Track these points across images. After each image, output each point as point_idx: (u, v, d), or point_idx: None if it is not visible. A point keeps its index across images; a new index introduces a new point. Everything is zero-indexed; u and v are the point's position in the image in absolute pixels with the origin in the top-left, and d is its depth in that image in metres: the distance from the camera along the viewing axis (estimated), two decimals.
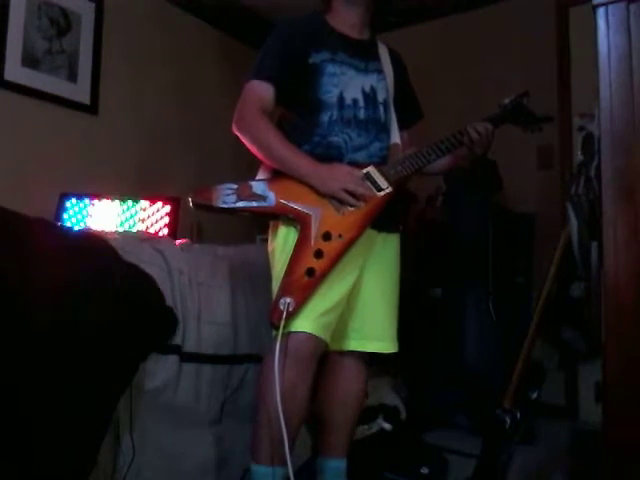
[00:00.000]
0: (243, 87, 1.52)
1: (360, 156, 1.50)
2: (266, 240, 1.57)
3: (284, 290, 1.36)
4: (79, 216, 2.30)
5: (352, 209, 1.42)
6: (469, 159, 1.65)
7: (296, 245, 1.40)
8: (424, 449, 1.98)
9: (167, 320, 1.53)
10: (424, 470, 1.84)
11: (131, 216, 2.28)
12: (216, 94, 3.18)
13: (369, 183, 1.46)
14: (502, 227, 2.58)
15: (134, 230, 2.21)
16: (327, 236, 1.40)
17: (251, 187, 1.43)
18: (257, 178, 1.53)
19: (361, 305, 1.55)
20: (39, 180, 2.41)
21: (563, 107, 2.80)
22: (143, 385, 1.48)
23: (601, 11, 1.09)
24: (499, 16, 3.03)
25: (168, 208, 2.26)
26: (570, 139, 2.75)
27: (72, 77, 2.59)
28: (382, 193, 1.46)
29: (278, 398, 1.27)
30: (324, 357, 1.53)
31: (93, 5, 2.67)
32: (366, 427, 1.99)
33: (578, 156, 1.67)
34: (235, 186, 1.42)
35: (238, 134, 1.51)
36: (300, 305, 1.35)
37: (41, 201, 2.26)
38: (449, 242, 2.63)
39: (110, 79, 2.75)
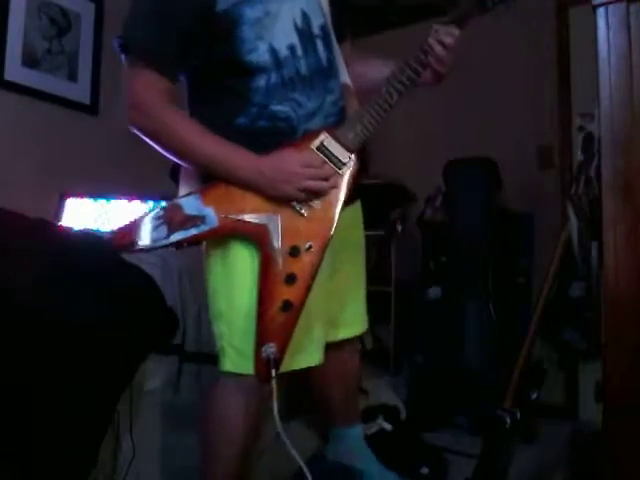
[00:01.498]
0: (131, 70, 1.19)
1: (315, 123, 1.16)
2: None
3: (262, 336, 1.09)
4: (79, 216, 2.29)
5: (315, 204, 1.13)
6: (440, 75, 1.31)
7: (261, 273, 1.10)
8: (424, 449, 1.98)
9: (167, 320, 1.53)
10: (424, 470, 1.84)
11: (132, 216, 2.28)
12: None
13: (327, 159, 1.13)
14: (502, 227, 2.58)
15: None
16: (295, 251, 1.10)
17: (181, 208, 1.10)
18: (182, 191, 1.20)
19: (338, 291, 1.33)
20: (39, 180, 2.41)
21: (563, 107, 2.80)
22: (143, 385, 1.48)
23: (601, 11, 1.09)
24: (499, 16, 3.03)
25: None
26: (570, 139, 2.75)
27: (72, 77, 2.59)
28: (345, 169, 1.14)
29: (300, 462, 1.07)
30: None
31: (93, 5, 2.67)
32: (366, 427, 1.99)
33: (578, 156, 1.67)
34: (161, 212, 1.11)
35: (139, 132, 1.19)
36: (285, 348, 1.09)
37: (41, 201, 2.26)
38: (449, 242, 2.63)
39: (110, 79, 2.74)
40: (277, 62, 1.14)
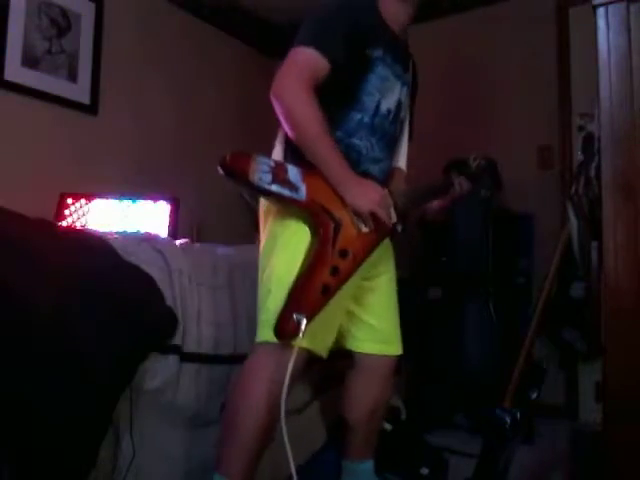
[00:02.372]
0: (294, 50, 1.32)
1: (374, 169, 1.43)
2: None
3: (297, 303, 1.24)
4: (79, 216, 2.30)
5: (366, 230, 1.35)
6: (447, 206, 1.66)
7: (316, 254, 1.30)
8: (424, 449, 1.98)
9: (167, 320, 1.53)
10: (424, 470, 1.84)
11: (129, 215, 2.28)
12: (216, 94, 3.19)
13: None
14: (502, 227, 2.58)
15: (132, 230, 2.21)
16: (344, 253, 1.30)
17: (286, 171, 1.30)
18: (275, 154, 1.41)
19: (376, 309, 1.53)
20: (39, 180, 2.41)
21: (563, 107, 2.80)
22: (143, 385, 1.48)
23: (601, 11, 1.09)
24: (499, 16, 3.03)
25: (168, 208, 2.27)
26: (570, 139, 2.76)
27: (72, 77, 2.59)
28: (392, 223, 1.42)
29: (283, 423, 1.18)
30: (353, 364, 1.54)
31: (93, 5, 2.67)
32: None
33: (578, 156, 1.67)
34: (272, 164, 1.29)
35: (275, 103, 1.31)
36: (309, 323, 1.24)
37: (41, 201, 2.26)
38: (449, 242, 2.63)
39: (110, 79, 2.75)
40: (376, 112, 1.41)
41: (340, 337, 1.50)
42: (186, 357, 1.56)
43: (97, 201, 2.32)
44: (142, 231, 2.17)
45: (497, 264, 2.53)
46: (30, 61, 2.43)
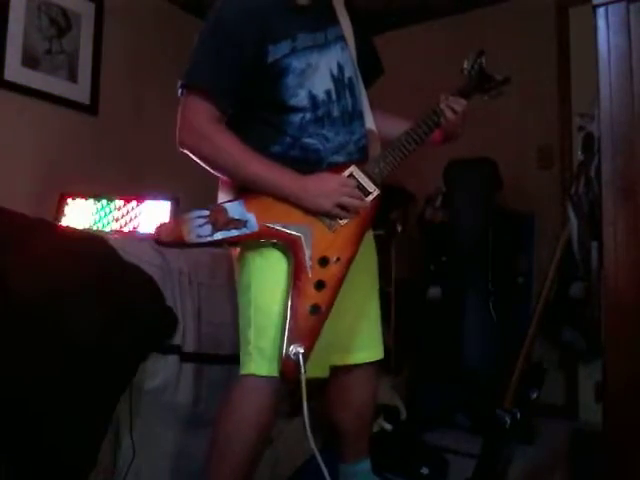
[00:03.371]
0: (183, 95, 1.28)
1: (340, 157, 1.33)
2: None
3: (291, 336, 1.18)
4: (79, 216, 2.29)
5: (343, 222, 1.27)
6: (450, 137, 1.48)
7: (293, 278, 1.22)
8: (424, 449, 1.98)
9: (167, 320, 1.53)
10: (424, 470, 1.84)
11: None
12: None
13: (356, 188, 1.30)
14: (502, 227, 2.58)
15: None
16: (324, 261, 1.23)
17: (226, 211, 1.21)
18: (220, 198, 1.32)
19: (347, 315, 1.40)
20: (39, 180, 2.41)
21: (563, 107, 2.80)
22: (143, 385, 1.48)
23: (601, 11, 1.09)
24: (499, 16, 3.03)
25: (168, 208, 2.26)
26: (570, 139, 2.75)
27: (72, 77, 2.59)
28: (370, 198, 1.30)
29: (322, 466, 1.19)
30: (339, 369, 1.47)
31: (93, 5, 2.67)
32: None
33: (578, 156, 1.67)
34: (206, 212, 1.20)
35: (190, 152, 1.26)
36: (311, 349, 1.19)
37: (41, 201, 2.26)
38: (449, 242, 2.63)
39: (110, 79, 2.75)
40: (314, 104, 1.30)
41: (348, 353, 1.45)
42: (186, 357, 1.56)
43: (97, 201, 2.32)
44: (142, 231, 2.17)
45: (497, 264, 2.52)
46: (30, 61, 2.43)
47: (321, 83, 1.32)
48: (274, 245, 1.26)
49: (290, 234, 1.23)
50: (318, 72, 1.31)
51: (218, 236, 1.20)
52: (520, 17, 2.95)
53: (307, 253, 1.23)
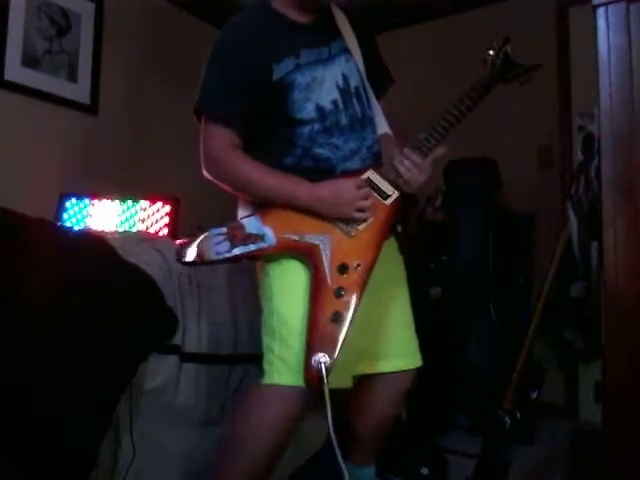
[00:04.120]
0: (200, 124, 1.34)
1: (353, 163, 1.34)
2: None
3: (314, 346, 1.18)
4: (79, 216, 2.30)
5: (362, 227, 1.27)
6: None
7: (313, 287, 1.22)
8: (424, 449, 1.98)
9: (167, 320, 1.53)
10: (424, 470, 1.84)
11: (131, 216, 2.28)
12: None
13: (373, 191, 1.29)
14: (502, 227, 2.58)
15: (134, 230, 2.21)
16: (343, 268, 1.23)
17: (243, 227, 1.24)
18: (240, 214, 1.35)
19: (374, 323, 1.39)
20: (39, 180, 2.41)
21: (563, 107, 2.80)
22: (143, 385, 1.48)
23: (601, 11, 1.09)
24: (499, 16, 3.03)
25: (168, 208, 2.26)
26: (570, 139, 2.75)
27: (72, 77, 2.59)
28: (390, 201, 1.29)
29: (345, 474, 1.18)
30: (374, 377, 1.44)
31: (93, 5, 2.67)
32: None
33: (578, 156, 1.67)
34: (224, 230, 1.23)
35: (212, 179, 1.33)
36: (334, 357, 1.17)
37: (41, 201, 2.26)
38: (449, 242, 2.63)
39: (110, 79, 2.75)
40: (322, 115, 1.33)
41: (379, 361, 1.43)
42: (186, 357, 1.56)
43: (97, 201, 2.32)
44: (142, 231, 2.17)
45: (497, 264, 2.52)
46: (30, 61, 2.43)
47: (327, 94, 1.34)
48: (293, 256, 1.27)
49: (307, 243, 1.24)
50: (324, 85, 1.34)
51: (236, 252, 1.22)
52: (520, 17, 2.94)
53: (326, 261, 1.23)
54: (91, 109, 2.67)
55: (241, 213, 1.35)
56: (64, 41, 2.56)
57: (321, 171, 1.31)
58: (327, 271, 1.22)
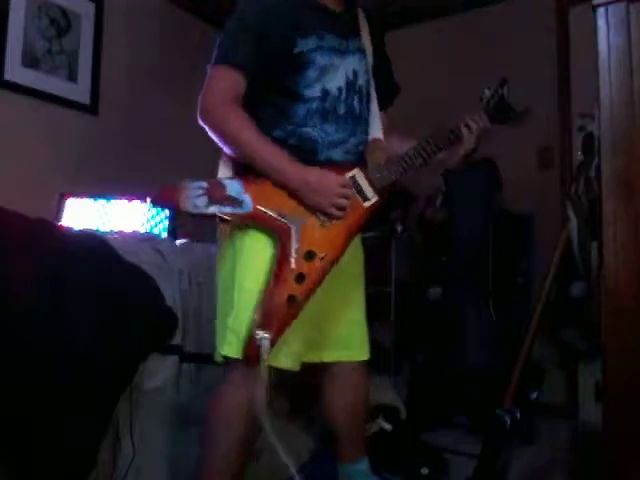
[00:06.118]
0: (208, 71, 1.32)
1: (336, 153, 1.35)
2: None
3: (262, 322, 1.19)
4: (79, 216, 2.29)
5: (336, 222, 1.28)
6: (462, 158, 1.47)
7: (276, 266, 1.23)
8: (424, 449, 1.98)
9: (167, 320, 1.53)
10: (424, 470, 1.84)
11: (131, 216, 2.28)
12: None
13: (354, 191, 1.31)
14: (502, 227, 2.58)
15: (132, 230, 2.21)
16: (310, 256, 1.24)
17: (225, 187, 1.23)
18: (220, 173, 1.34)
19: (328, 314, 1.42)
20: (39, 180, 2.41)
21: (563, 107, 2.80)
22: (143, 385, 1.48)
23: (601, 11, 1.09)
24: (499, 16, 3.03)
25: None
26: (570, 139, 2.75)
27: (72, 77, 2.59)
28: (368, 204, 1.32)
29: (278, 447, 1.15)
30: (325, 368, 1.50)
31: (93, 5, 2.67)
32: (366, 427, 1.99)
33: (578, 156, 1.67)
34: (205, 185, 1.22)
35: (205, 126, 1.30)
36: (277, 338, 1.19)
37: (41, 201, 2.26)
38: (449, 242, 2.63)
39: (110, 79, 2.75)
40: (324, 98, 1.34)
41: (320, 351, 1.45)
42: (186, 357, 1.56)
43: (97, 201, 2.32)
44: (142, 231, 2.17)
45: (497, 264, 2.52)
46: (30, 61, 2.43)
47: (336, 81, 1.36)
48: (264, 230, 1.27)
49: (281, 222, 1.24)
50: (337, 72, 1.36)
51: (212, 209, 1.21)
52: (520, 17, 2.95)
53: (294, 244, 1.23)
54: (91, 109, 2.67)
55: (221, 171, 1.35)
56: (64, 41, 2.56)
57: (305, 151, 1.32)
58: (293, 254, 1.22)
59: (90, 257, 1.49)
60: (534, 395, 1.71)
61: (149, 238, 1.88)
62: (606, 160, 1.08)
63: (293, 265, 1.22)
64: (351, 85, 1.39)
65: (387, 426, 2.07)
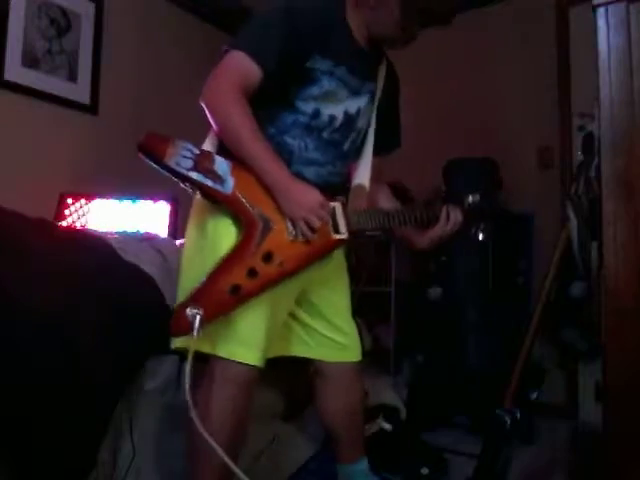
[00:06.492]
0: (226, 53, 1.27)
1: (308, 171, 1.34)
2: None
3: (195, 297, 1.18)
4: (79, 216, 2.30)
5: (302, 239, 1.28)
6: (434, 240, 1.47)
7: (234, 251, 1.23)
8: (424, 449, 1.98)
9: (167, 320, 1.53)
10: (424, 470, 1.84)
11: (131, 216, 2.28)
12: None
13: (330, 220, 1.32)
14: (502, 227, 2.58)
15: (134, 230, 2.21)
16: (268, 257, 1.24)
17: (213, 161, 1.23)
18: (205, 145, 1.33)
19: (331, 320, 1.47)
20: (39, 180, 2.41)
21: (563, 107, 2.80)
22: (143, 385, 1.48)
23: (601, 11, 1.09)
24: (499, 16, 3.03)
25: (168, 208, 2.27)
26: (570, 139, 2.75)
27: (72, 77, 2.59)
28: (337, 237, 1.32)
29: (205, 433, 1.12)
30: (318, 371, 1.51)
31: (93, 5, 2.67)
32: (366, 427, 1.99)
33: (578, 156, 1.67)
34: (197, 151, 1.22)
35: (205, 107, 1.27)
36: (208, 322, 1.17)
37: (41, 201, 2.26)
38: (449, 242, 2.63)
39: (110, 79, 2.75)
40: (314, 116, 1.33)
41: (296, 345, 1.48)
42: (186, 357, 1.55)
43: (97, 201, 2.32)
44: (142, 231, 2.17)
45: (497, 264, 2.52)
46: (30, 61, 2.43)
47: (333, 110, 1.35)
48: (233, 217, 1.27)
49: (252, 215, 1.24)
50: (338, 105, 1.35)
51: (193, 175, 1.20)
52: (520, 17, 2.95)
53: (257, 240, 1.23)
54: (91, 109, 2.67)
55: (205, 145, 1.33)
56: (64, 41, 2.56)
57: None
58: (252, 249, 1.23)
59: (90, 257, 1.49)
60: (534, 395, 1.71)
61: (149, 238, 1.88)
62: (606, 160, 1.08)
63: (249, 258, 1.22)
64: (348, 121, 1.38)
65: (387, 426, 2.07)
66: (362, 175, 1.45)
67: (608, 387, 1.09)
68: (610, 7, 1.08)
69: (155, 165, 1.21)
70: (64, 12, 2.56)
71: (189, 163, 1.20)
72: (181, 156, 1.20)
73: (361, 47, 1.38)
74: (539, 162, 2.88)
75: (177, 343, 1.28)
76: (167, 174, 1.21)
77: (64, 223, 2.27)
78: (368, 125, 1.45)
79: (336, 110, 1.35)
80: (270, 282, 1.24)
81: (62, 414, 1.23)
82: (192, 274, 1.28)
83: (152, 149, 1.21)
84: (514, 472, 1.63)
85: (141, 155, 1.20)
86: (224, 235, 1.28)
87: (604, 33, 1.08)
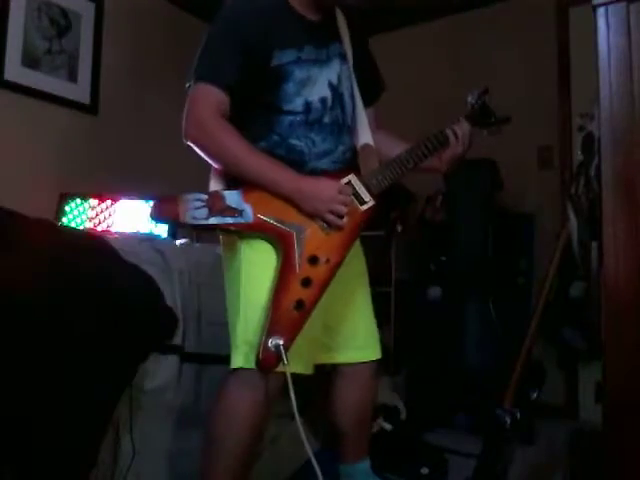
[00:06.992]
0: (192, 89, 1.29)
1: (324, 163, 1.35)
2: None
3: (270, 329, 1.19)
4: (79, 216, 2.30)
5: (335, 230, 1.29)
6: (450, 161, 1.47)
7: (280, 272, 1.23)
8: (424, 449, 1.98)
9: (167, 320, 1.53)
10: (424, 470, 1.84)
11: (131, 216, 2.28)
12: None
13: (352, 196, 1.32)
14: (502, 227, 2.58)
15: (133, 230, 2.21)
16: (314, 260, 1.24)
17: (224, 198, 1.23)
18: (212, 186, 1.34)
19: (336, 315, 1.44)
20: (39, 180, 2.41)
21: (563, 107, 2.80)
22: (143, 385, 1.48)
23: (601, 11, 1.09)
24: (499, 16, 3.03)
25: None
26: (570, 139, 2.75)
27: (72, 77, 2.59)
28: (365, 207, 1.33)
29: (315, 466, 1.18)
30: (332, 369, 1.50)
31: (93, 5, 2.67)
32: None
33: (578, 156, 1.67)
34: (205, 197, 1.22)
35: (193, 145, 1.28)
36: (290, 343, 1.19)
37: (41, 201, 2.26)
38: (449, 242, 2.63)
39: (110, 79, 2.75)
40: (307, 109, 1.33)
41: (321, 353, 1.45)
42: (186, 357, 1.56)
43: (97, 201, 2.32)
44: (142, 231, 2.17)
45: (497, 264, 2.52)
46: (30, 61, 2.43)
47: (317, 92, 1.35)
48: (266, 238, 1.27)
49: (283, 229, 1.25)
50: (317, 84, 1.34)
51: (213, 221, 1.21)
52: (520, 17, 2.95)
53: (297, 250, 1.24)
54: (91, 109, 2.67)
55: (212, 186, 1.34)
56: (64, 41, 2.56)
57: (291, 163, 1.30)
58: (297, 260, 1.23)
59: (90, 257, 1.49)
60: (534, 395, 1.70)
61: (149, 238, 1.88)
62: (606, 160, 1.08)
63: (298, 270, 1.23)
64: (335, 92, 1.38)
65: (387, 426, 2.07)
66: (364, 134, 1.44)
67: (608, 387, 1.09)
68: (610, 7, 1.08)
69: (175, 226, 1.20)
70: (64, 12, 2.56)
71: (204, 212, 1.21)
72: (193, 208, 1.20)
73: (312, 19, 1.38)
74: (539, 162, 2.88)
75: (238, 363, 1.26)
76: (190, 229, 1.21)
77: (64, 223, 2.27)
78: (351, 85, 1.44)
79: (322, 90, 1.35)
80: (325, 283, 1.25)
81: (62, 414, 1.23)
82: (237, 306, 1.28)
83: (164, 214, 1.24)
84: (514, 472, 1.63)
85: (157, 222, 1.19)
86: (259, 258, 1.27)
87: (604, 33, 1.08)
